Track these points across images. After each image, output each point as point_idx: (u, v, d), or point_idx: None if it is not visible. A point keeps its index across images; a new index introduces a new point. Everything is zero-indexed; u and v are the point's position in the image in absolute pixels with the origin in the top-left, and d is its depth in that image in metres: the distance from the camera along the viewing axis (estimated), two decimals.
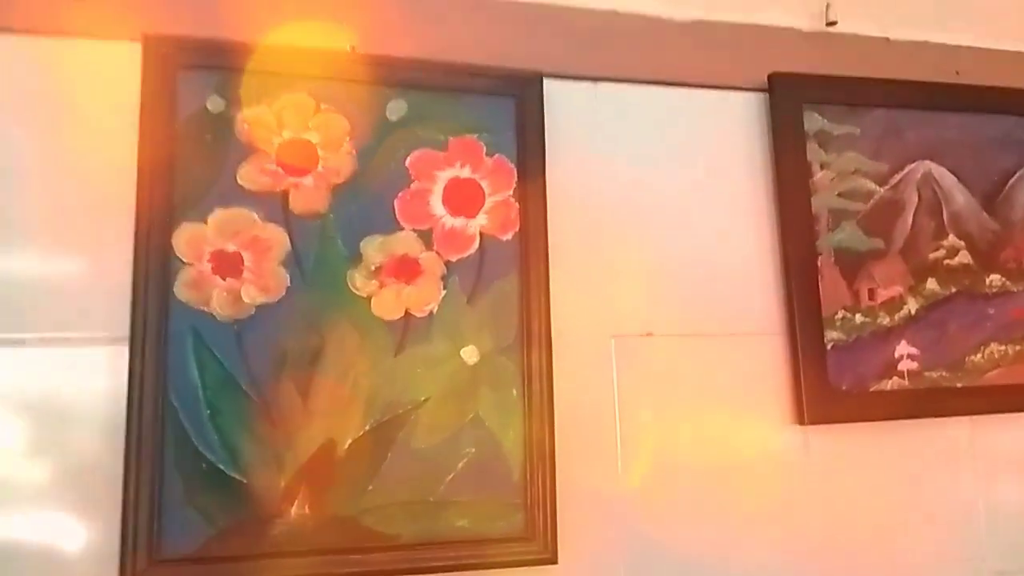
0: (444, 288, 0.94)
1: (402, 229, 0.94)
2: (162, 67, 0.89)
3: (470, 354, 0.94)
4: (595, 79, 1.06)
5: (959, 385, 1.10)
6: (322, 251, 0.91)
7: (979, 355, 1.12)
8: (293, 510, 0.87)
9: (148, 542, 0.82)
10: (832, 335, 1.06)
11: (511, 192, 0.98)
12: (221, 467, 0.85)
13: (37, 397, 0.83)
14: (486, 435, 0.93)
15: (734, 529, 1.01)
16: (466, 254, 0.96)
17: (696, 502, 1.00)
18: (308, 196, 0.92)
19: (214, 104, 0.91)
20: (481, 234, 0.96)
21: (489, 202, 0.97)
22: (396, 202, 0.94)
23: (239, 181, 0.90)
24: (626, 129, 1.06)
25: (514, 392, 0.94)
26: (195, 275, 0.87)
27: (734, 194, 1.09)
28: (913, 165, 1.14)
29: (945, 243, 1.13)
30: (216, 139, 0.90)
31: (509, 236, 0.97)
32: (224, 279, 0.88)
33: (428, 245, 0.95)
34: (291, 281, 0.90)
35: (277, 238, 0.90)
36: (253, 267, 0.89)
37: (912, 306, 1.10)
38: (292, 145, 0.92)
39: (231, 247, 0.89)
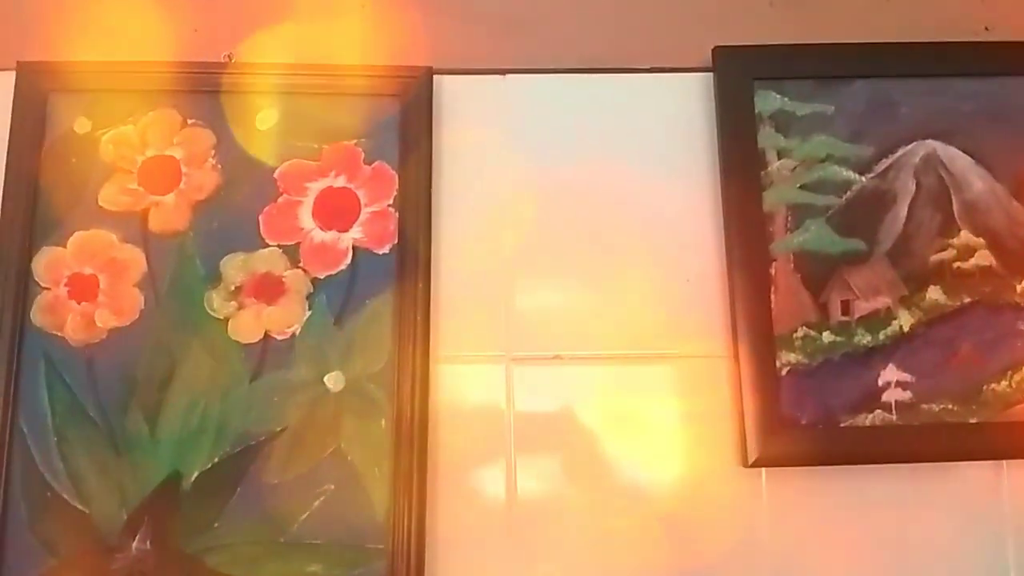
0: (309, 308, 0.87)
1: (267, 246, 0.88)
2: (33, 92, 0.90)
3: (334, 380, 0.85)
4: (503, 71, 0.95)
5: (973, 421, 0.86)
6: (179, 271, 0.87)
7: (1005, 383, 0.87)
8: (135, 544, 0.82)
9: None
10: (788, 357, 0.87)
11: (391, 201, 0.89)
12: (65, 496, 0.82)
13: None
14: (348, 470, 0.84)
15: None
16: (336, 271, 0.88)
17: (606, 560, 0.85)
18: (167, 215, 0.88)
19: (80, 126, 0.90)
20: (354, 248, 0.88)
21: (365, 213, 0.89)
22: (261, 217, 0.88)
23: (100, 202, 0.88)
24: (540, 126, 0.94)
25: (383, 423, 0.84)
26: (51, 300, 0.86)
27: (671, 194, 0.92)
28: (909, 147, 0.91)
29: (955, 241, 0.90)
30: (81, 161, 0.89)
31: (386, 249, 0.88)
32: (79, 303, 0.86)
33: (294, 262, 0.88)
34: (145, 304, 0.86)
35: (134, 259, 0.87)
36: (108, 290, 0.86)
37: (904, 321, 0.88)
38: (154, 163, 0.89)
39: (88, 270, 0.87)
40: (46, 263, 0.87)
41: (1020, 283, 0.89)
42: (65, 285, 0.86)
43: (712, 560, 0.84)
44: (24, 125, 0.89)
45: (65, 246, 0.87)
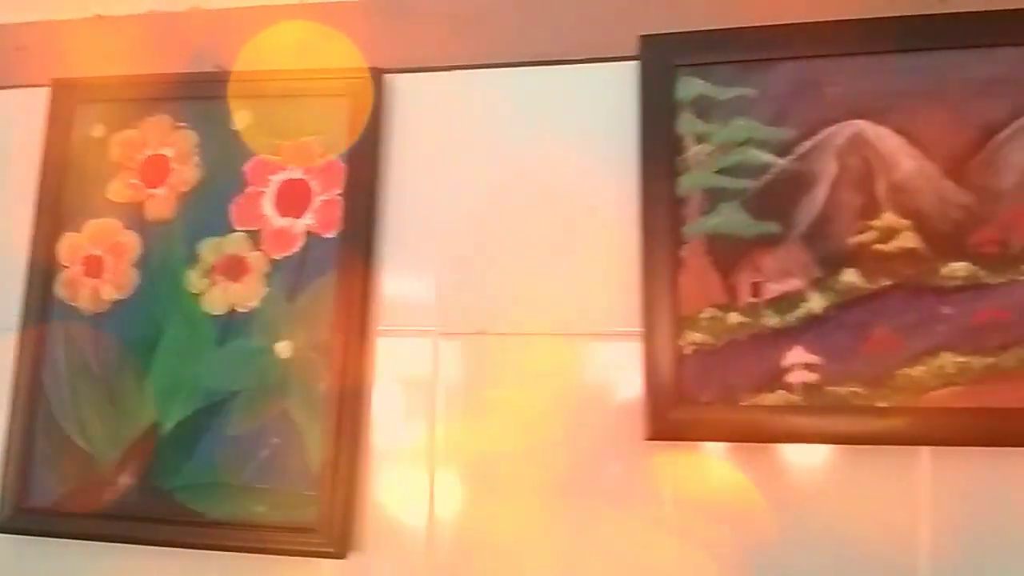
0: (267, 286, 1.00)
1: (235, 231, 1.02)
2: (63, 104, 1.08)
3: (284, 349, 0.98)
4: (449, 68, 1.03)
5: (883, 405, 0.85)
6: (166, 253, 1.03)
7: (921, 367, 0.85)
8: (122, 479, 0.99)
9: (16, 493, 1.00)
10: (694, 337, 0.90)
11: (340, 191, 1.00)
12: (73, 437, 1.01)
13: None
14: (291, 427, 0.96)
15: (567, 555, 0.91)
16: (290, 252, 1.00)
17: (520, 522, 0.92)
18: (159, 205, 1.04)
19: (97, 131, 1.07)
20: (307, 233, 1.00)
21: (316, 201, 1.01)
22: (231, 206, 1.02)
23: (108, 195, 1.06)
24: (483, 118, 1.01)
25: (321, 387, 0.96)
26: (70, 276, 1.05)
27: (597, 181, 0.97)
28: (833, 128, 0.90)
29: (877, 223, 0.88)
30: (96, 160, 1.07)
31: (332, 234, 0.99)
32: (91, 279, 1.04)
33: (256, 245, 1.01)
34: (140, 280, 1.03)
35: (132, 243, 1.04)
36: (112, 268, 1.04)
37: (816, 304, 0.88)
38: (151, 161, 1.05)
39: (98, 252, 1.04)
40: (68, 246, 1.05)
41: (947, 265, 0.86)
42: (80, 264, 1.05)
43: (607, 528, 0.90)
44: (56, 131, 1.08)
45: (81, 231, 1.05)
